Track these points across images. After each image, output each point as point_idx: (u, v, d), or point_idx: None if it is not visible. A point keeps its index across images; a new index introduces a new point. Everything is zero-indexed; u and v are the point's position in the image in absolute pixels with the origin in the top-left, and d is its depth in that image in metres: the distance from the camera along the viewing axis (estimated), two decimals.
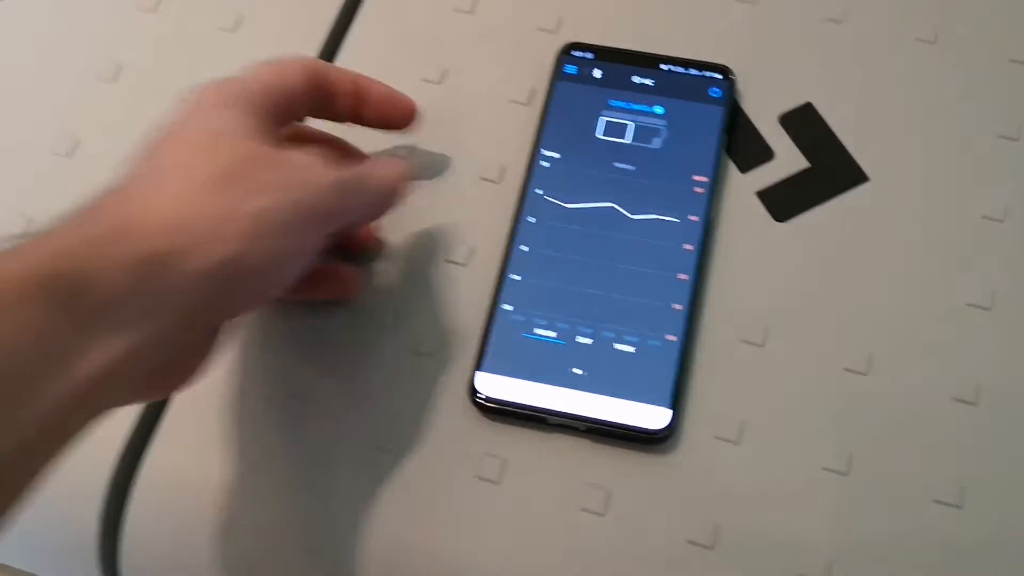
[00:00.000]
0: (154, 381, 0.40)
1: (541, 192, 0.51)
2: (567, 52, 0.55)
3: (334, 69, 0.48)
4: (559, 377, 0.47)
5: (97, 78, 0.57)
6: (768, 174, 0.52)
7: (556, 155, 0.52)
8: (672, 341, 0.47)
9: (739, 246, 0.51)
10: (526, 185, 0.51)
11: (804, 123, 0.53)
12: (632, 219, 0.50)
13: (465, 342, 0.49)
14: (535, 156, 0.52)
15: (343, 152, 0.51)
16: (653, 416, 0.46)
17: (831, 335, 0.48)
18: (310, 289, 0.47)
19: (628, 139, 0.52)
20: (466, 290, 0.50)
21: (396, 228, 0.52)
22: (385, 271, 0.51)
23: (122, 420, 0.49)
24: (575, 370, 0.47)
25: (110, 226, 0.36)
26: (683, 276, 0.49)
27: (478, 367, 0.47)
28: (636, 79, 0.53)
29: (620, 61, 0.54)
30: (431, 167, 0.53)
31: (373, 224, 0.51)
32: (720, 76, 0.53)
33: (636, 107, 0.53)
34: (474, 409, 0.47)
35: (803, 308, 0.49)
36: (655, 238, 0.50)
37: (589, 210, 0.51)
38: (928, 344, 0.48)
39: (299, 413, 0.48)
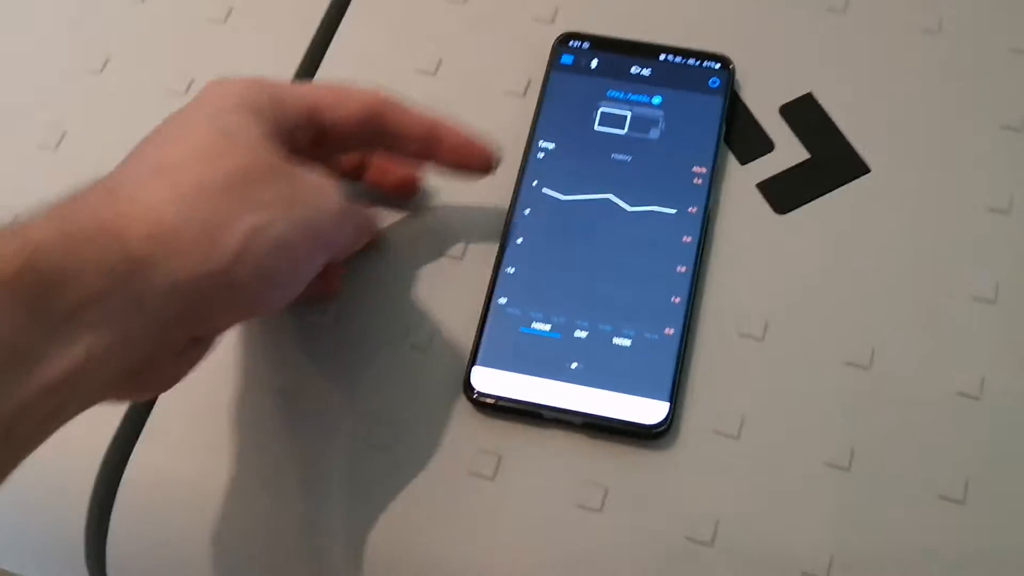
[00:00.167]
0: (130, 384, 0.38)
1: (537, 184, 0.50)
2: (563, 42, 0.54)
3: (406, 114, 0.46)
4: (556, 372, 0.46)
5: (85, 69, 0.57)
6: (768, 165, 0.52)
7: (552, 146, 0.51)
8: (670, 335, 0.47)
9: (738, 238, 0.50)
10: (522, 177, 0.51)
11: (805, 114, 0.53)
12: (630, 211, 0.49)
13: (461, 337, 0.48)
14: (531, 147, 0.51)
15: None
16: (651, 411, 0.45)
17: (832, 329, 0.48)
18: None
19: (626, 130, 0.51)
20: (461, 284, 0.50)
21: (391, 220, 0.51)
22: (379, 265, 0.50)
23: (109, 418, 0.48)
24: (572, 364, 0.46)
25: (91, 223, 0.34)
26: (682, 269, 0.48)
27: (473, 362, 0.47)
28: (634, 69, 0.53)
29: (617, 51, 0.53)
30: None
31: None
32: (719, 66, 0.53)
33: (634, 98, 0.52)
34: (469, 404, 0.47)
35: (804, 301, 0.48)
36: (653, 230, 0.49)
37: (586, 202, 0.50)
38: (931, 338, 0.47)
39: (291, 409, 0.48)
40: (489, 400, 0.46)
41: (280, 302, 0.41)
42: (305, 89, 0.44)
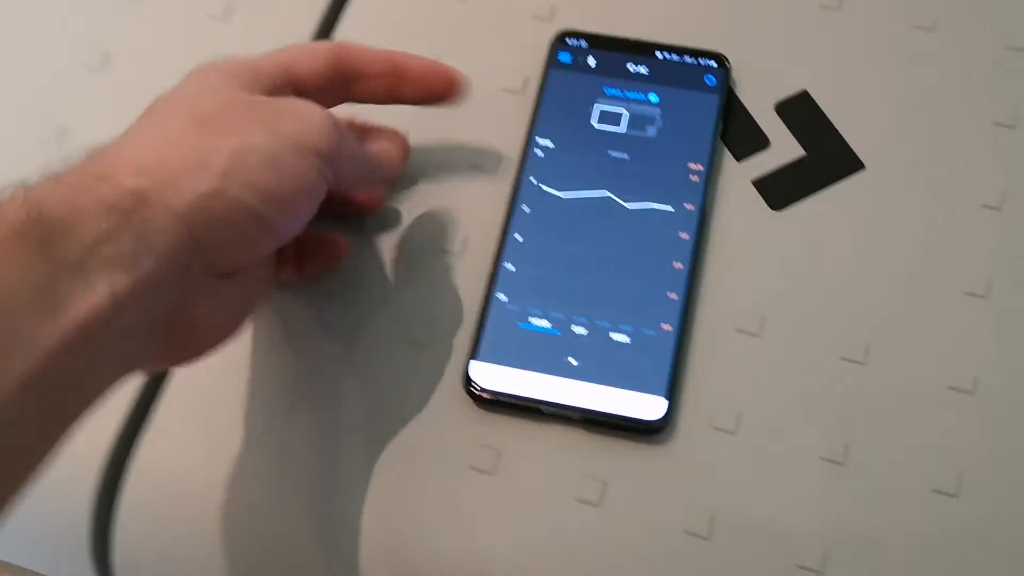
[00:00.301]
0: (174, 339, 0.39)
1: (536, 181, 0.51)
2: (561, 40, 0.54)
3: (366, 51, 0.47)
4: (554, 367, 0.47)
5: (85, 67, 0.57)
6: (764, 162, 0.52)
7: (550, 144, 0.52)
8: (668, 331, 0.47)
9: (735, 235, 0.50)
10: (520, 174, 0.51)
11: (800, 111, 0.53)
12: (627, 208, 0.50)
13: (460, 332, 0.49)
14: (529, 145, 0.52)
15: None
16: (649, 406, 0.46)
17: (828, 324, 0.48)
18: (298, 263, 0.48)
19: (623, 127, 0.52)
20: (461, 279, 0.50)
21: (390, 217, 0.52)
22: (379, 260, 0.51)
23: (113, 412, 0.49)
24: (570, 360, 0.47)
25: (90, 174, 0.36)
26: (679, 265, 0.49)
27: (473, 357, 0.47)
28: (631, 67, 0.53)
29: (615, 49, 0.54)
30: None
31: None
32: (715, 64, 0.53)
33: (631, 95, 0.53)
34: (469, 399, 0.47)
35: (799, 297, 0.49)
36: (650, 227, 0.49)
37: (584, 199, 0.50)
38: (925, 333, 0.48)
39: (291, 404, 0.48)
40: (489, 395, 0.47)
41: (292, 221, 0.42)
42: (275, 53, 0.45)
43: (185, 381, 0.49)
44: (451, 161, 0.53)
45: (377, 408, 0.48)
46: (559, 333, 0.47)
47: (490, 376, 0.47)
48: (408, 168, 0.52)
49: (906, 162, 0.52)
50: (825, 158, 0.52)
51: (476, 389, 0.47)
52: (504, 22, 0.56)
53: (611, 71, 0.53)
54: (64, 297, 0.33)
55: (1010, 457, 0.45)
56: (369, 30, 0.57)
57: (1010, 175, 0.51)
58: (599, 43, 0.54)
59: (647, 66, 0.53)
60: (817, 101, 0.53)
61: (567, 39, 0.54)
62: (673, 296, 0.48)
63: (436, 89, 0.49)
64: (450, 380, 0.48)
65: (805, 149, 0.52)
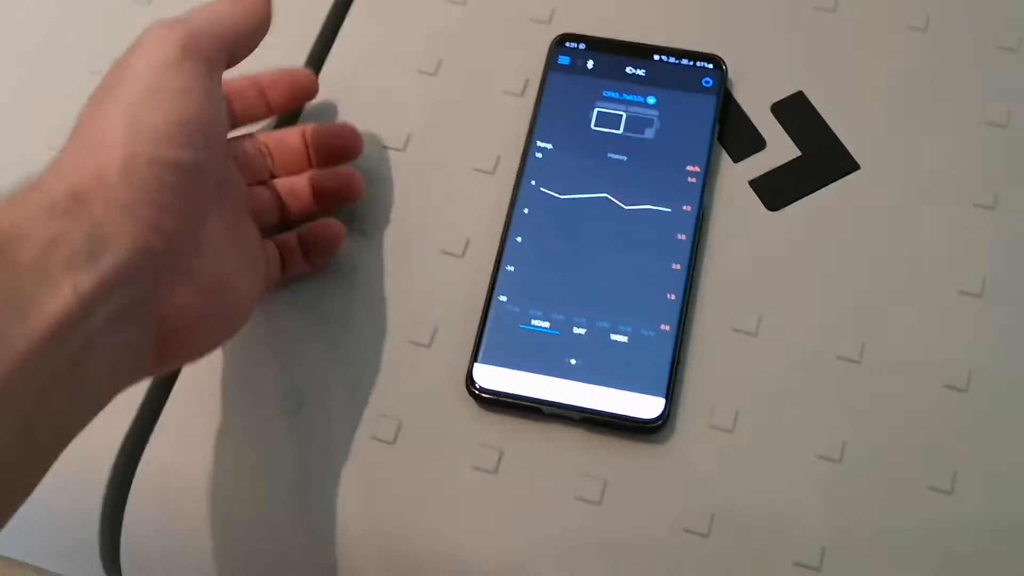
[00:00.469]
0: (162, 334, 0.39)
1: (535, 183, 0.51)
2: (560, 43, 0.55)
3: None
4: (555, 368, 0.47)
5: (90, 71, 0.57)
6: (760, 163, 0.53)
7: (550, 146, 0.52)
8: (666, 331, 0.48)
9: (732, 235, 0.51)
10: (520, 176, 0.52)
11: (796, 112, 0.54)
12: (626, 209, 0.51)
13: (461, 333, 0.49)
14: (529, 147, 0.52)
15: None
16: (648, 406, 0.46)
17: (824, 323, 0.49)
18: (304, 254, 0.49)
19: (621, 130, 0.52)
20: (462, 281, 0.51)
21: (391, 218, 0.52)
22: (382, 262, 0.51)
23: (123, 412, 0.49)
24: (570, 361, 0.47)
25: (25, 191, 0.36)
26: (677, 266, 0.49)
27: (475, 358, 0.48)
28: (629, 70, 0.54)
29: (613, 52, 0.54)
30: None
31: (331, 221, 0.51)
32: (712, 66, 0.54)
33: (629, 98, 0.53)
34: (471, 400, 0.48)
35: (796, 297, 0.50)
36: (649, 228, 0.50)
37: (583, 201, 0.51)
38: (920, 331, 0.49)
39: (297, 405, 0.49)
40: (490, 396, 0.47)
41: (212, 148, 0.41)
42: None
43: (192, 382, 0.50)
44: (452, 164, 0.53)
45: (380, 408, 0.48)
46: (559, 334, 0.48)
47: (491, 377, 0.47)
48: (410, 171, 0.53)
49: (900, 162, 0.52)
50: (821, 158, 0.53)
51: (478, 389, 0.47)
52: (504, 25, 0.57)
53: (610, 74, 0.54)
54: (29, 301, 0.34)
55: (1004, 454, 0.46)
56: (371, 34, 0.57)
57: (1003, 174, 0.52)
58: (598, 46, 0.55)
59: (645, 68, 0.54)
60: (812, 102, 0.54)
61: (566, 42, 0.55)
62: (671, 296, 0.49)
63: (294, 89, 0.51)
64: (452, 380, 0.48)
65: (801, 149, 0.53)
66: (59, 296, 0.34)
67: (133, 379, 0.39)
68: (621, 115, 0.53)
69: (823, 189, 0.52)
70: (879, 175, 0.52)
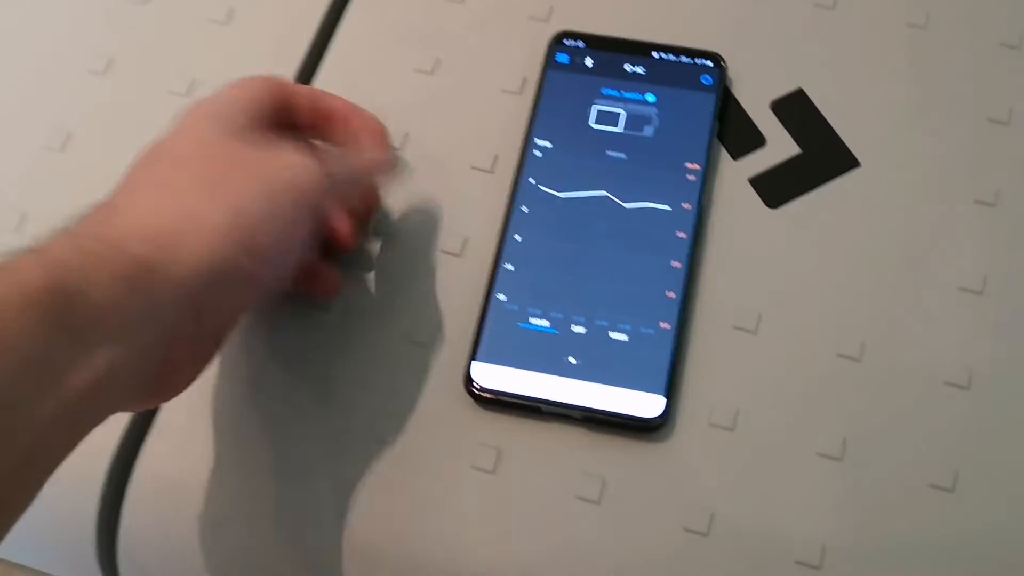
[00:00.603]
0: (150, 390, 0.40)
1: (534, 181, 0.51)
2: (559, 41, 0.55)
3: (298, 87, 0.49)
4: (554, 366, 0.47)
5: (89, 71, 0.57)
6: (760, 160, 0.52)
7: (548, 144, 0.52)
8: (666, 329, 0.48)
9: (732, 233, 0.51)
10: (519, 174, 0.51)
11: (795, 109, 0.53)
12: (625, 207, 0.50)
13: (460, 332, 0.49)
14: (528, 145, 0.52)
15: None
16: (647, 404, 0.46)
17: (824, 321, 0.49)
18: (295, 283, 0.48)
19: (620, 127, 0.52)
20: (461, 280, 0.50)
21: (390, 218, 0.52)
22: (380, 261, 0.51)
23: (118, 417, 0.49)
24: (570, 359, 0.47)
25: (99, 239, 0.36)
26: (676, 264, 0.49)
27: (474, 357, 0.48)
28: (628, 67, 0.54)
29: (612, 49, 0.54)
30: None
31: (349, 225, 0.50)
32: (711, 63, 0.53)
33: (628, 95, 0.53)
34: (469, 399, 0.48)
35: (796, 294, 0.49)
36: (648, 226, 0.50)
37: (582, 199, 0.51)
38: (920, 329, 0.48)
39: (294, 405, 0.49)
40: (489, 395, 0.47)
41: (283, 278, 0.44)
42: (239, 85, 0.46)
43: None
44: (450, 162, 0.53)
45: (378, 408, 0.48)
46: (558, 332, 0.48)
47: (490, 376, 0.47)
48: (407, 170, 0.52)
49: (901, 159, 0.52)
50: (821, 156, 0.52)
51: (477, 389, 0.47)
52: (502, 23, 0.57)
53: (608, 71, 0.54)
54: (63, 372, 0.34)
55: (1004, 451, 0.46)
56: (368, 33, 0.57)
57: (1004, 171, 0.51)
58: (596, 44, 0.54)
59: (644, 66, 0.54)
60: (812, 99, 0.54)
61: (565, 40, 0.55)
62: (671, 295, 0.48)
63: (360, 134, 0.49)
64: (451, 380, 0.48)
65: (801, 147, 0.53)
66: (93, 367, 0.34)
67: (131, 408, 0.41)
68: (620, 113, 0.52)
69: (823, 186, 0.52)
70: (879, 172, 0.52)
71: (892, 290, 0.49)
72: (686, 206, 0.50)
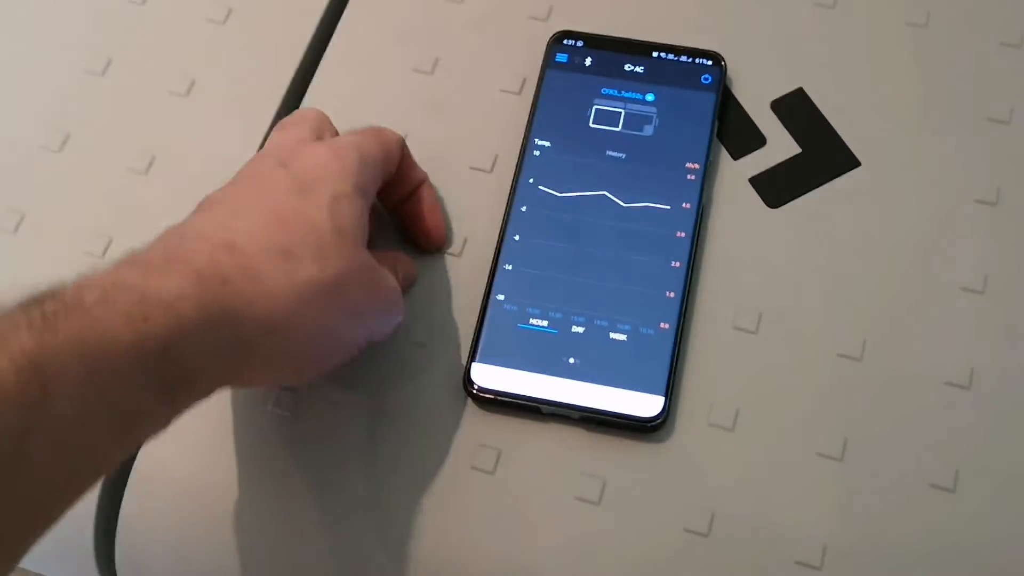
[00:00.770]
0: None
1: (533, 181, 0.51)
2: (558, 40, 0.55)
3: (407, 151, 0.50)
4: (553, 367, 0.47)
5: (87, 71, 0.57)
6: (760, 160, 0.52)
7: (548, 144, 0.52)
8: (665, 329, 0.48)
9: (732, 233, 0.51)
10: (518, 174, 0.51)
11: (796, 109, 0.53)
12: (624, 207, 0.50)
13: (460, 332, 0.49)
14: (527, 145, 0.52)
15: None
16: (647, 404, 0.46)
17: (824, 321, 0.49)
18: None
19: (620, 127, 0.52)
20: (460, 280, 0.50)
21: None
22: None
23: None
24: (569, 359, 0.47)
25: (224, 311, 0.37)
26: (676, 264, 0.49)
27: (473, 358, 0.48)
28: (627, 67, 0.53)
29: (611, 49, 0.54)
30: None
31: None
32: (711, 63, 0.53)
33: (627, 95, 0.53)
34: (470, 400, 0.48)
35: (796, 294, 0.49)
36: (648, 226, 0.50)
37: (582, 198, 0.51)
38: (921, 328, 0.48)
39: (293, 406, 0.48)
40: (489, 395, 0.47)
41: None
42: (369, 137, 0.47)
43: None
44: (450, 162, 0.53)
45: (378, 408, 0.48)
46: (558, 333, 0.48)
47: (490, 376, 0.47)
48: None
49: (901, 158, 0.52)
50: (821, 155, 0.52)
51: (476, 389, 0.47)
52: (502, 23, 0.57)
53: (608, 71, 0.54)
54: (139, 422, 0.35)
55: (1005, 451, 0.46)
56: (367, 32, 0.57)
57: (1005, 170, 0.51)
58: (596, 43, 0.54)
59: (643, 65, 0.53)
60: (812, 98, 0.54)
61: (564, 39, 0.54)
62: (670, 294, 0.48)
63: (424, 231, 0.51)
64: (450, 380, 0.48)
65: (801, 146, 0.52)
66: (159, 421, 0.36)
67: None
68: (620, 112, 0.52)
69: (823, 186, 0.52)
70: (880, 172, 0.52)
71: (893, 290, 0.49)
72: (686, 206, 0.50)
